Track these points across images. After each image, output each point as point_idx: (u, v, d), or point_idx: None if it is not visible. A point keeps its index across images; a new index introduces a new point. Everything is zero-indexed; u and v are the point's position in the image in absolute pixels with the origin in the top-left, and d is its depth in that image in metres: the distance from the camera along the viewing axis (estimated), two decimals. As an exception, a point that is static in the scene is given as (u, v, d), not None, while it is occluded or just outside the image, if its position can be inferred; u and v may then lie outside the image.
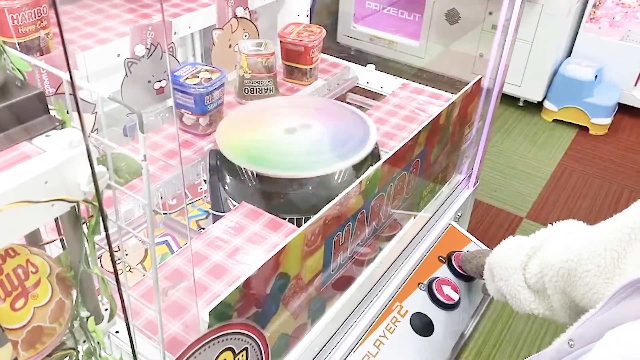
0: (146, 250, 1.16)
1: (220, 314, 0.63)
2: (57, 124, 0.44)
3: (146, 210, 0.45)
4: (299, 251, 0.74)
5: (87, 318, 0.50)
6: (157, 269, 0.48)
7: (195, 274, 0.78)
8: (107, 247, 0.44)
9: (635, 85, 2.83)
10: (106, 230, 0.42)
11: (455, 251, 1.10)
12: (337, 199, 0.78)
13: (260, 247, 0.83)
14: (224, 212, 0.97)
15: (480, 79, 1.12)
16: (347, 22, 2.90)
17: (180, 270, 0.78)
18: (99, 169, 0.42)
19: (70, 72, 0.34)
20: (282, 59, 1.24)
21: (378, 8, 3.00)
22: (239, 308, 0.66)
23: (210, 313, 0.61)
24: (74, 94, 0.35)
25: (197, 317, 0.62)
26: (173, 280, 0.77)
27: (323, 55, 1.34)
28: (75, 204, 0.43)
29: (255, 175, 0.92)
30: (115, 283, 0.49)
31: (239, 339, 0.59)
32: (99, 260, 0.63)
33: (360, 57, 1.44)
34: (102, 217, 0.40)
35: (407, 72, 1.43)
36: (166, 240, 1.20)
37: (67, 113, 0.45)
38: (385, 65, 1.42)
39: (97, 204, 0.43)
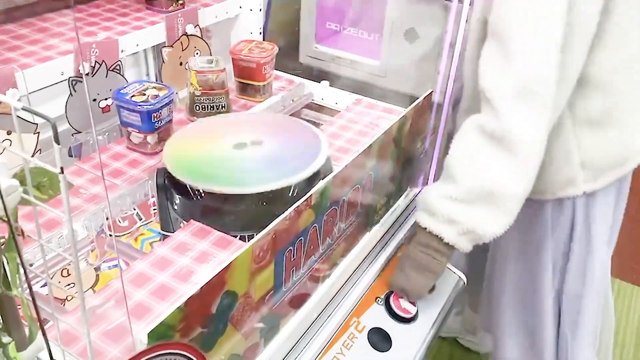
0: (97, 275, 1.12)
1: (161, 335, 0.60)
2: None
3: (67, 226, 0.43)
4: (246, 268, 0.72)
5: (8, 344, 0.47)
6: (82, 289, 0.46)
7: (139, 296, 0.75)
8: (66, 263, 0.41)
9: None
10: (17, 248, 0.40)
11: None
12: (285, 213, 0.77)
13: (207, 265, 0.80)
14: (174, 232, 0.94)
15: (430, 93, 1.13)
16: (309, 43, 2.91)
17: (124, 292, 0.75)
18: (10, 182, 0.40)
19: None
20: (234, 76, 1.23)
21: (338, 29, 3.03)
22: (181, 329, 0.63)
23: (149, 335, 0.58)
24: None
25: (136, 340, 0.59)
26: (116, 303, 0.74)
27: (277, 72, 1.34)
28: (-14, 221, 0.41)
29: (203, 193, 0.90)
30: (60, 305, 0.46)
31: (176, 360, 0.56)
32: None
33: (323, 77, 1.46)
34: (13, 235, 0.38)
35: (369, 90, 1.45)
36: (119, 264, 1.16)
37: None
38: (347, 84, 1.43)
39: (12, 221, 0.41)
